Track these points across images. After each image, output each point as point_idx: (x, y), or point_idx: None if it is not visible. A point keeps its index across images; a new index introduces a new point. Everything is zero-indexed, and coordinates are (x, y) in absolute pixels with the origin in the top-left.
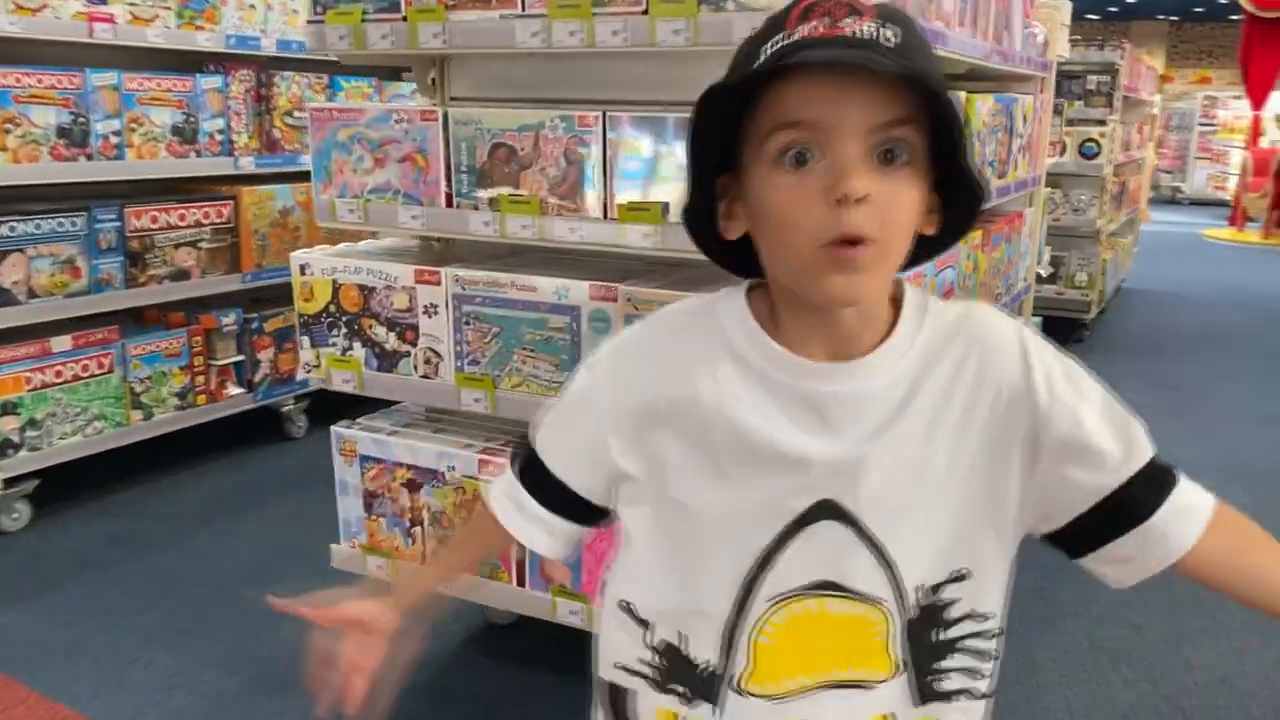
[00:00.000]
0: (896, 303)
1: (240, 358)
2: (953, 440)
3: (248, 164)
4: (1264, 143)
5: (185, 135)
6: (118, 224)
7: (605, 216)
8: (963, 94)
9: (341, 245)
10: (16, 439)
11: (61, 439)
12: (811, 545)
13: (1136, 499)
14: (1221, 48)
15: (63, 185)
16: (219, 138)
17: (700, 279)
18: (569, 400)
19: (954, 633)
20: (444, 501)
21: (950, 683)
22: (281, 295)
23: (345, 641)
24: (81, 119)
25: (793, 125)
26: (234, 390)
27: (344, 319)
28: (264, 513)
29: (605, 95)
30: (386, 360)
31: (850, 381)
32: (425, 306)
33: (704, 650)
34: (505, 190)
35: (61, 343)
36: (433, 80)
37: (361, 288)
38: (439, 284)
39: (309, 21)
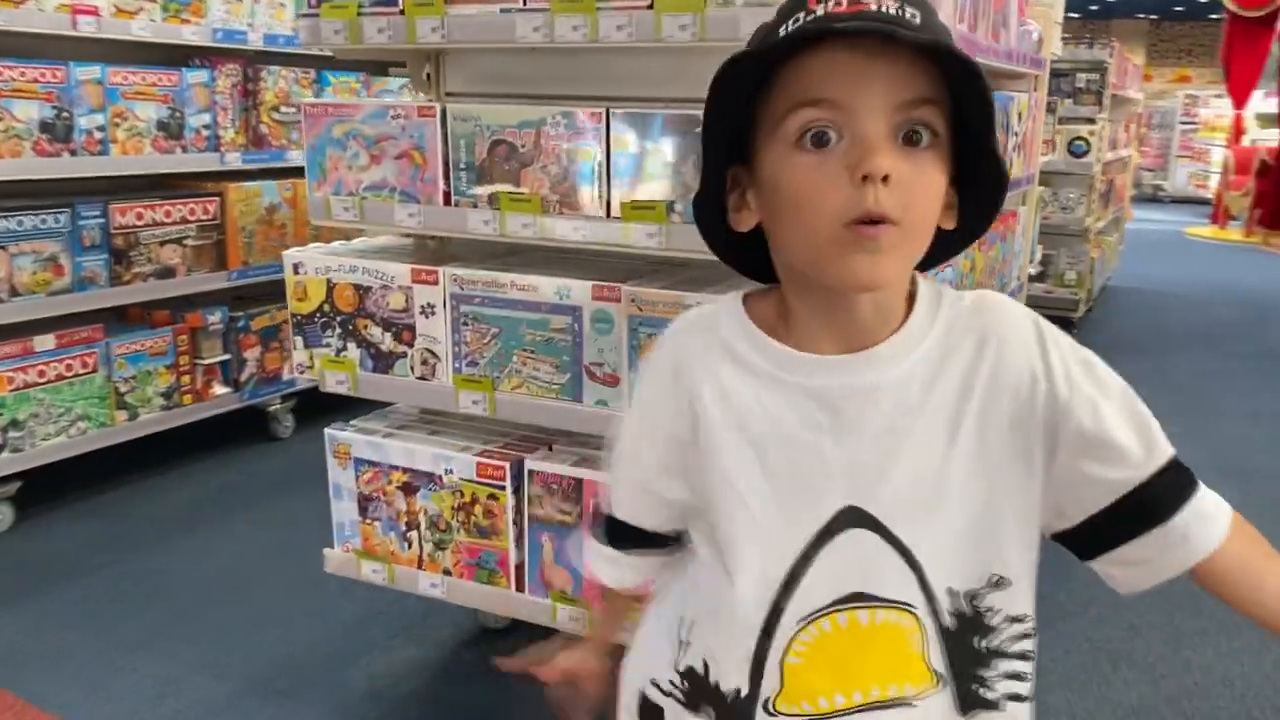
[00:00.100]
0: (911, 298)
1: (226, 357)
2: (976, 434)
3: (234, 160)
4: (1245, 141)
5: (171, 130)
6: (102, 221)
7: (608, 215)
8: None
9: (335, 244)
10: None
11: (45, 440)
12: (838, 559)
13: (1157, 499)
14: (1201, 46)
15: (46, 181)
16: (205, 133)
17: (704, 279)
18: (618, 453)
19: (997, 640)
20: (441, 505)
21: (997, 690)
22: (268, 293)
23: (566, 688)
24: (65, 113)
25: (814, 103)
26: (220, 390)
27: (338, 319)
28: (251, 514)
29: (606, 91)
30: (382, 361)
31: (863, 373)
32: (422, 306)
33: (730, 678)
34: (505, 188)
35: (44, 342)
36: (428, 75)
37: (357, 287)
38: (436, 284)
39: (302, 15)
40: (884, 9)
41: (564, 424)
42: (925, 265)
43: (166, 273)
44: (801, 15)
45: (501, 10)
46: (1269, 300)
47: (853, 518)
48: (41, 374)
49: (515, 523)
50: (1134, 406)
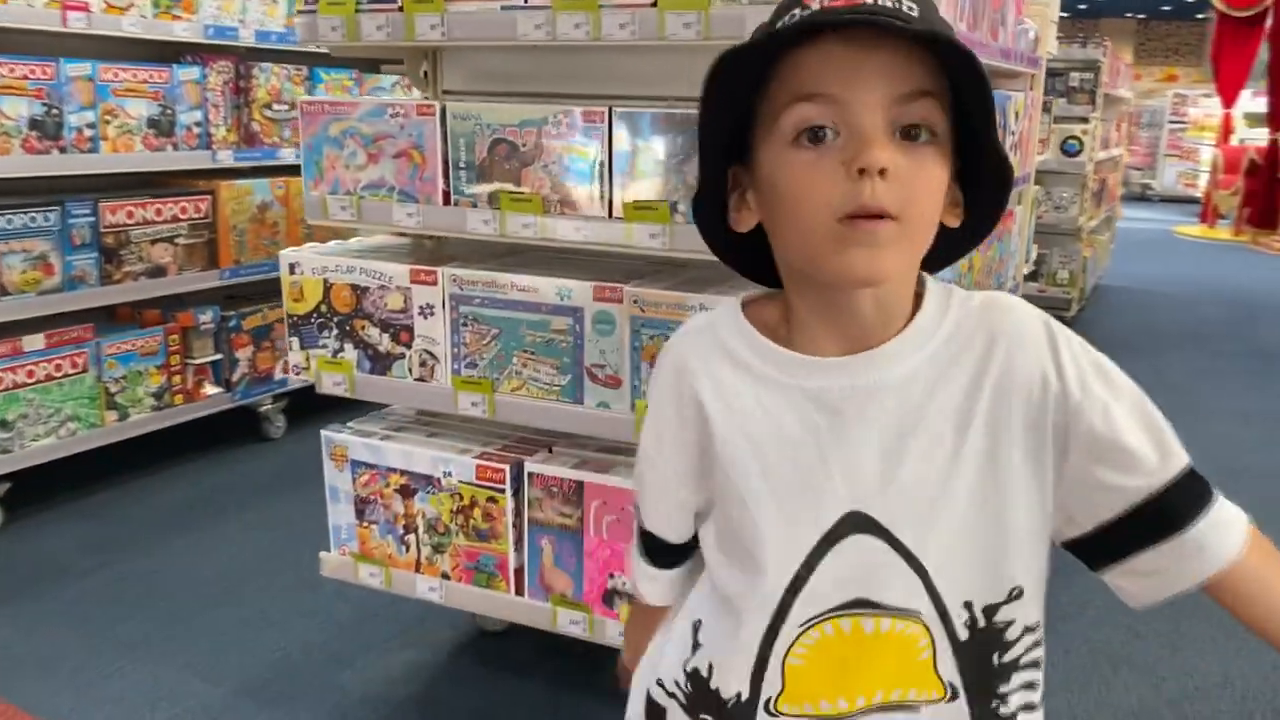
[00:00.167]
0: (918, 298)
1: (218, 356)
2: (985, 436)
3: (226, 158)
4: (1234, 141)
5: (162, 128)
6: (92, 219)
7: (610, 215)
8: None
9: (331, 243)
10: None
11: (34, 441)
12: (842, 564)
13: (1172, 507)
14: (1188, 45)
15: (35, 179)
16: (196, 130)
17: (706, 279)
18: (640, 467)
19: (1014, 652)
20: (440, 508)
21: (1013, 703)
22: (260, 292)
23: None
24: (55, 110)
25: (809, 98)
26: (211, 390)
27: (335, 320)
28: (244, 515)
29: (606, 89)
30: (380, 363)
31: (864, 374)
32: (421, 307)
33: (731, 683)
34: (506, 187)
35: (34, 341)
36: (425, 73)
37: (354, 288)
38: (435, 284)
39: (300, 12)
40: (880, 1)
41: (565, 426)
42: (933, 266)
43: (157, 271)
44: (797, 10)
45: (503, 7)
46: (1258, 299)
47: (857, 523)
48: (31, 374)
49: (515, 526)
50: (1148, 412)
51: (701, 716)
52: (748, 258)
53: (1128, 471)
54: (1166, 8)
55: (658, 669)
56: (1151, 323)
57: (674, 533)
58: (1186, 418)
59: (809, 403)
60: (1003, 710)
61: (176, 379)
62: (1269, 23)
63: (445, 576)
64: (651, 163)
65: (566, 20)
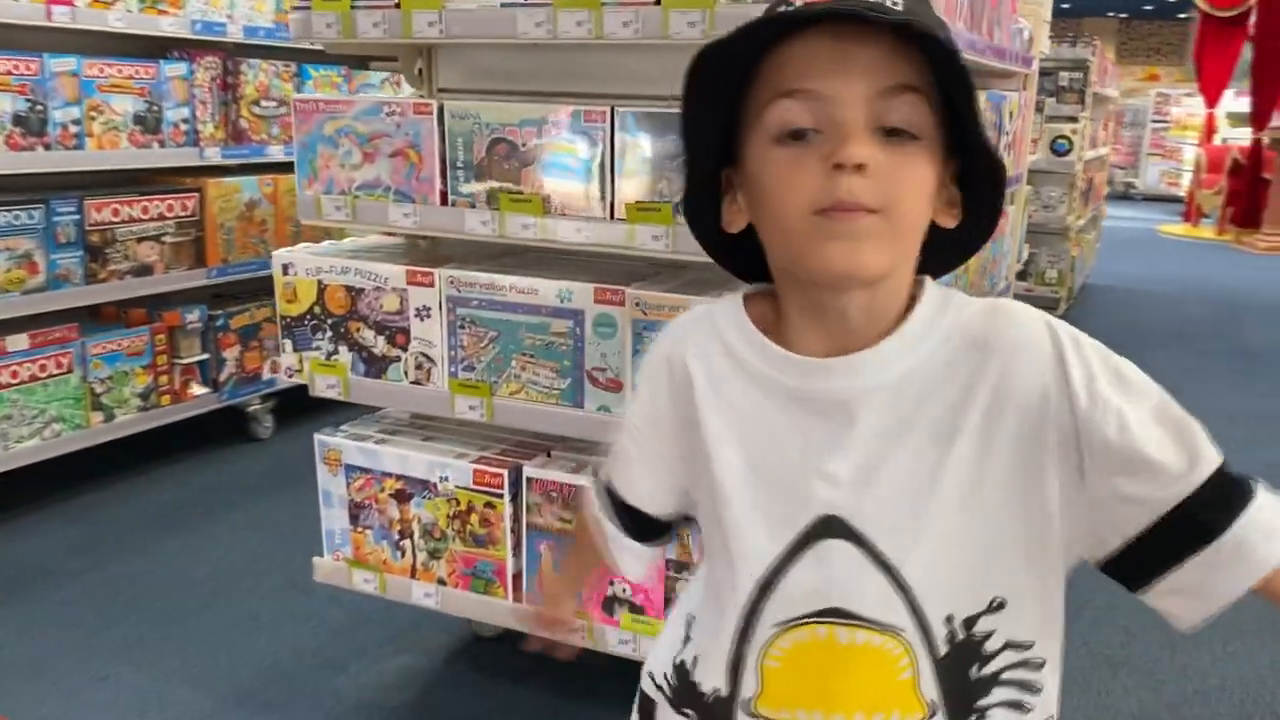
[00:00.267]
0: (914, 302)
1: (205, 356)
2: (976, 446)
3: (213, 155)
4: (1217, 140)
5: (148, 124)
6: (77, 217)
7: (611, 217)
8: None
9: (325, 243)
10: None
11: (18, 442)
12: (817, 567)
13: (1205, 513)
14: (1169, 45)
15: (19, 176)
16: (183, 127)
17: (708, 281)
18: (626, 429)
19: (994, 666)
20: (436, 513)
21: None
22: (247, 291)
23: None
24: (39, 106)
25: (791, 94)
26: (198, 390)
27: (329, 322)
28: (233, 516)
29: (606, 88)
30: (375, 365)
31: (852, 376)
32: (417, 309)
33: (711, 676)
34: (505, 187)
35: (17, 341)
36: (419, 71)
37: (349, 289)
38: (432, 285)
39: (294, 8)
40: None
41: (565, 430)
42: (937, 270)
43: (144, 270)
44: (783, 8)
45: (503, 4)
46: (1242, 299)
47: (832, 528)
48: (14, 375)
49: (513, 531)
50: (1172, 416)
51: (685, 711)
52: (742, 258)
53: (1149, 481)
54: (1148, 7)
55: (652, 662)
56: (1136, 322)
57: (652, 505)
58: None
59: (793, 401)
60: None
61: (163, 379)
62: (1252, 22)
63: (441, 582)
64: (654, 164)
65: (568, 18)
